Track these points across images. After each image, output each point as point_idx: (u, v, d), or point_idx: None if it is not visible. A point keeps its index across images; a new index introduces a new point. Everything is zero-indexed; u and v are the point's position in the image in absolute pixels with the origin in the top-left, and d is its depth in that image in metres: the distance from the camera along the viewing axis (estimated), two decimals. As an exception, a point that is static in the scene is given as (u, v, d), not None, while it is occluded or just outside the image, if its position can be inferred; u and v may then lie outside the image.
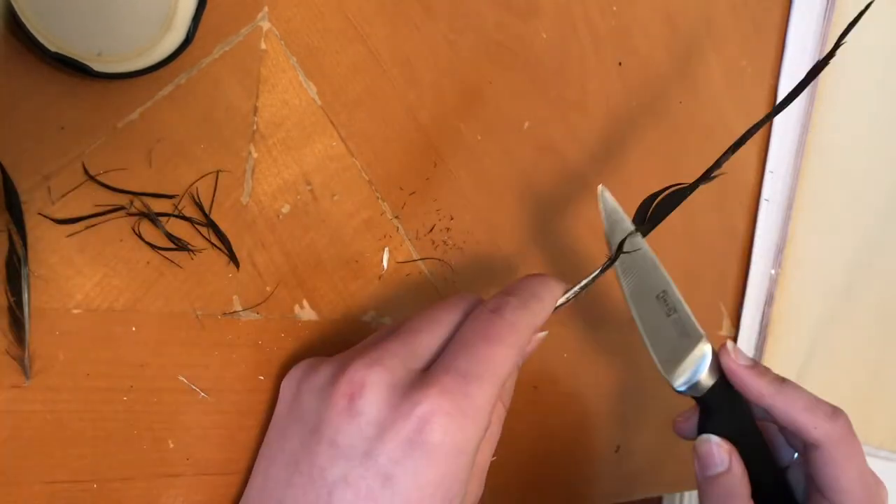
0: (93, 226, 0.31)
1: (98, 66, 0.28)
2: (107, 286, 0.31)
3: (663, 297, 0.38)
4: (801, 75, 0.44)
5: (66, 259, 0.30)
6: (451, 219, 0.42)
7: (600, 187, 0.38)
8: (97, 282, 0.31)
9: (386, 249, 0.39)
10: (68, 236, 0.30)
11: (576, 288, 0.36)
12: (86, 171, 0.30)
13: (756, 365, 0.38)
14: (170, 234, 0.32)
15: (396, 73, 0.39)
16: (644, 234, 0.38)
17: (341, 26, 0.37)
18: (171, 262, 0.33)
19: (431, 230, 0.41)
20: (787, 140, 0.62)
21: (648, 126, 0.52)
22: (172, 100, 0.32)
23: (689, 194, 0.38)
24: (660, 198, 0.38)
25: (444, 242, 0.42)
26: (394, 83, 0.39)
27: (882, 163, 0.67)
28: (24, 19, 0.27)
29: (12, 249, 0.29)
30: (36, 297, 0.29)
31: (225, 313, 0.34)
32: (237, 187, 0.34)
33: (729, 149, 0.38)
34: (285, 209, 0.36)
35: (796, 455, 0.41)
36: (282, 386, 0.34)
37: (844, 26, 0.38)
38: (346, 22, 0.37)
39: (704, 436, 0.39)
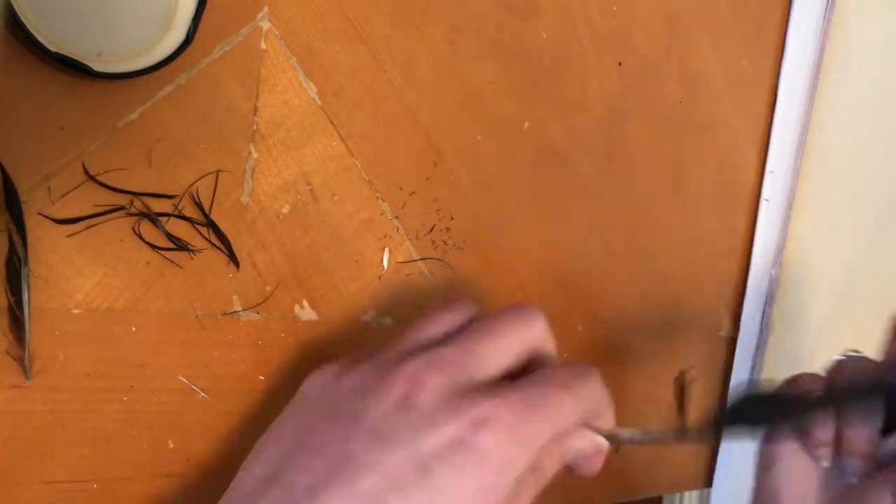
0: (93, 226, 0.31)
1: (98, 66, 0.28)
2: (107, 286, 0.31)
3: None
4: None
5: (66, 259, 0.30)
6: (451, 219, 0.42)
7: None
8: (97, 282, 0.31)
9: (386, 249, 0.39)
10: (68, 236, 0.30)
11: (636, 435, 0.34)
12: (86, 171, 0.30)
13: None
14: (170, 234, 0.32)
15: (396, 73, 0.39)
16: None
17: (341, 26, 0.37)
18: (171, 262, 0.33)
19: (431, 230, 0.41)
20: (787, 140, 0.62)
21: (648, 126, 0.52)
22: (172, 100, 0.32)
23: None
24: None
25: (444, 242, 0.42)
26: (394, 83, 0.39)
27: (882, 163, 0.67)
28: (24, 19, 0.27)
29: (12, 249, 0.29)
30: (36, 297, 0.29)
31: (225, 313, 0.34)
32: (237, 187, 0.34)
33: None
34: (285, 209, 0.36)
35: None
36: (305, 386, 0.32)
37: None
38: (346, 22, 0.37)
39: None
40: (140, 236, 0.32)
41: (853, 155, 0.66)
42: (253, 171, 0.35)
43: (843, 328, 0.67)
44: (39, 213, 0.29)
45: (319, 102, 0.36)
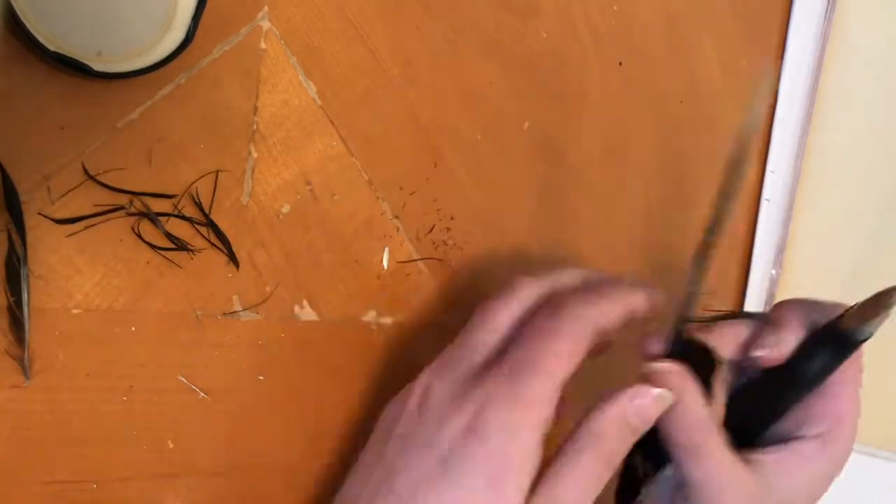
0: (92, 226, 0.31)
1: (98, 66, 0.28)
2: (107, 286, 0.31)
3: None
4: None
5: (66, 259, 0.30)
6: (452, 219, 0.42)
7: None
8: (97, 282, 0.31)
9: (386, 249, 0.39)
10: (68, 236, 0.30)
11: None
12: (86, 171, 0.30)
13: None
14: (170, 234, 0.32)
15: (396, 73, 0.39)
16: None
17: (341, 26, 0.37)
18: (171, 262, 0.33)
19: (431, 230, 0.41)
20: (787, 140, 0.62)
21: (649, 126, 0.52)
22: (172, 100, 0.32)
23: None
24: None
25: (445, 242, 0.42)
26: (394, 83, 0.39)
27: (883, 163, 0.67)
28: (24, 19, 0.27)
29: (12, 249, 0.29)
30: (36, 297, 0.29)
31: (225, 313, 0.34)
32: (237, 187, 0.34)
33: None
34: (285, 209, 0.36)
35: None
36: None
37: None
38: (346, 22, 0.37)
39: None
40: (140, 236, 0.32)
41: (853, 155, 0.66)
42: (253, 171, 0.35)
43: (844, 328, 0.66)
44: (39, 213, 0.29)
45: (319, 102, 0.36)
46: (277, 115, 0.35)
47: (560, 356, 0.31)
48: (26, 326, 0.29)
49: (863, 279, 0.67)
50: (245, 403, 0.35)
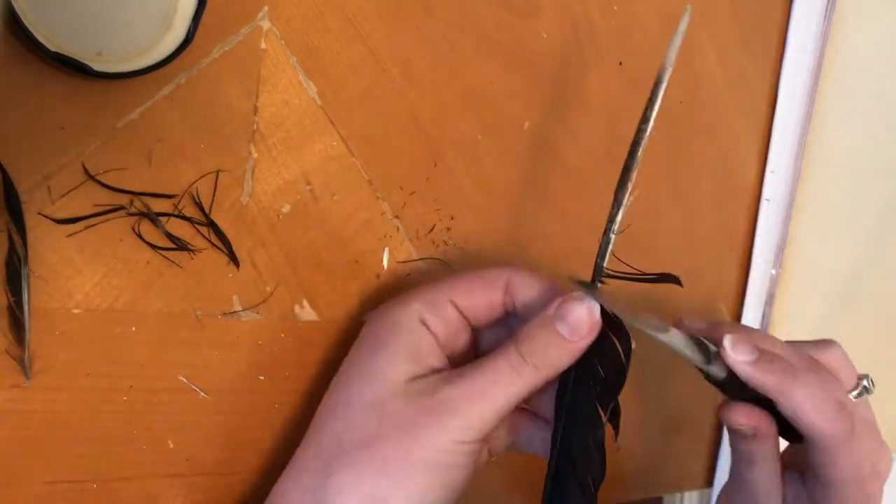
0: (93, 226, 0.31)
1: (98, 66, 0.28)
2: (107, 286, 0.31)
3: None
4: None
5: (66, 259, 0.30)
6: (452, 219, 0.42)
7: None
8: (97, 282, 0.31)
9: (386, 249, 0.39)
10: (68, 236, 0.30)
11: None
12: (86, 171, 0.30)
13: (761, 357, 0.37)
14: (170, 234, 0.32)
15: (396, 73, 0.39)
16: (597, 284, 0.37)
17: (341, 26, 0.37)
18: (171, 262, 0.33)
19: (432, 230, 0.41)
20: (787, 140, 0.62)
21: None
22: (172, 100, 0.32)
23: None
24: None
25: (445, 242, 0.42)
26: (394, 83, 0.39)
27: (883, 163, 0.67)
28: (24, 19, 0.27)
29: (12, 249, 0.29)
30: (36, 297, 0.29)
31: (225, 313, 0.34)
32: (237, 187, 0.34)
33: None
34: (285, 209, 0.36)
35: None
36: None
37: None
38: (347, 22, 0.37)
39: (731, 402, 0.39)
40: (140, 236, 0.32)
41: (853, 155, 0.66)
42: (253, 170, 0.35)
43: (844, 328, 0.67)
44: (39, 213, 0.29)
45: (319, 102, 0.36)
46: (277, 115, 0.35)
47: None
48: (26, 326, 0.29)
49: (863, 279, 0.68)
50: (245, 403, 0.35)
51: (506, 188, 0.44)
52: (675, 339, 0.36)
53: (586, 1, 0.47)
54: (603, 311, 0.34)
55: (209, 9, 0.31)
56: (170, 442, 0.33)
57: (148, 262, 0.32)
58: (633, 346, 0.34)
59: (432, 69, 0.40)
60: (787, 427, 0.39)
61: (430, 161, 0.41)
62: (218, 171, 0.34)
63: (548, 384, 0.34)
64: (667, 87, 0.35)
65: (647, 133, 0.35)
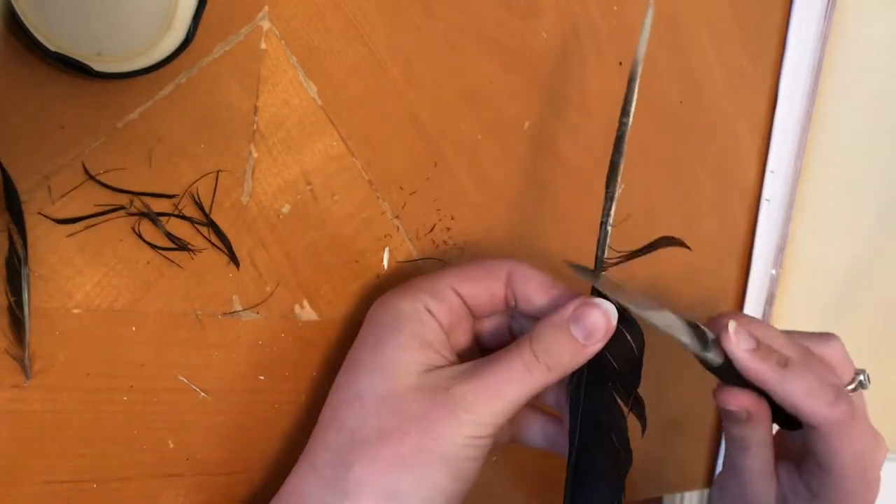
0: (93, 226, 0.31)
1: (98, 66, 0.28)
2: (107, 286, 0.31)
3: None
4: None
5: (66, 259, 0.30)
6: (452, 219, 0.42)
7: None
8: (97, 282, 0.31)
9: (386, 249, 0.39)
10: (68, 236, 0.30)
11: None
12: (86, 171, 0.30)
13: (759, 347, 0.37)
14: (170, 234, 0.32)
15: (396, 73, 0.39)
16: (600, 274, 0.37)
17: (341, 26, 0.37)
18: (171, 261, 0.33)
19: (432, 230, 0.41)
20: (787, 140, 0.62)
21: (649, 126, 0.52)
22: (172, 100, 0.32)
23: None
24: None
25: (445, 242, 0.42)
26: (394, 83, 0.39)
27: (883, 163, 0.67)
28: (24, 19, 0.27)
29: (12, 249, 0.29)
30: (36, 297, 0.29)
31: (225, 313, 0.34)
32: (237, 187, 0.34)
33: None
34: (285, 209, 0.36)
35: None
36: None
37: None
38: (347, 22, 0.37)
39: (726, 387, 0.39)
40: (140, 236, 0.32)
41: (853, 155, 0.66)
42: (253, 170, 0.35)
43: (844, 328, 0.67)
44: (39, 213, 0.29)
45: (320, 102, 0.36)
46: (277, 115, 0.35)
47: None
48: (26, 326, 0.29)
49: (863, 279, 0.68)
50: (245, 403, 0.35)
51: (506, 188, 0.44)
52: (673, 323, 0.36)
53: (586, 1, 0.47)
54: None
55: (209, 9, 0.31)
56: (170, 442, 0.33)
57: (148, 262, 0.32)
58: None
59: (432, 69, 0.40)
60: (781, 414, 0.39)
61: (430, 161, 0.41)
62: (218, 171, 0.34)
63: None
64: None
65: (628, 126, 0.36)
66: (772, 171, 0.62)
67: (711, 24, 0.56)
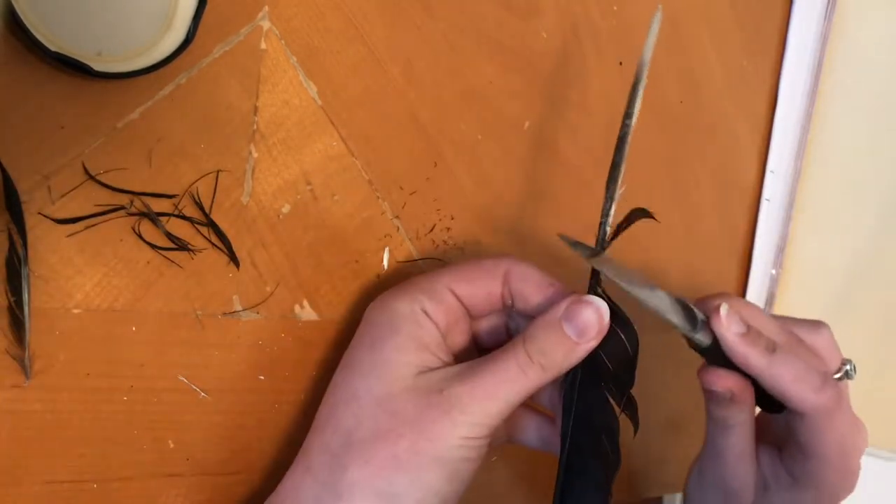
0: (93, 226, 0.31)
1: (98, 66, 0.28)
2: (107, 286, 0.31)
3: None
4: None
5: (66, 259, 0.30)
6: (452, 218, 0.42)
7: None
8: (97, 282, 0.31)
9: (386, 249, 0.39)
10: (68, 236, 0.30)
11: None
12: (86, 171, 0.30)
13: (749, 332, 0.37)
14: (170, 234, 0.32)
15: (396, 73, 0.39)
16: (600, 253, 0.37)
17: (342, 26, 0.37)
18: (171, 261, 0.33)
19: (432, 230, 0.41)
20: (787, 140, 0.62)
21: (649, 126, 0.52)
22: (172, 100, 0.32)
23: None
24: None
25: (445, 242, 0.42)
26: (394, 83, 0.39)
27: (883, 163, 0.67)
28: (24, 19, 0.27)
29: (12, 249, 0.29)
30: (36, 297, 0.29)
31: (225, 313, 0.34)
32: (237, 187, 0.34)
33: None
34: (285, 209, 0.36)
35: None
36: None
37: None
38: (347, 22, 0.37)
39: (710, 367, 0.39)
40: (140, 236, 0.32)
41: (853, 155, 0.65)
42: (253, 170, 0.35)
43: (843, 328, 0.67)
44: (39, 213, 0.29)
45: (320, 102, 0.36)
46: (277, 115, 0.35)
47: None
48: (26, 326, 0.29)
49: (863, 279, 0.67)
50: (245, 403, 0.35)
51: (506, 188, 0.44)
52: (662, 301, 0.36)
53: (586, 1, 0.47)
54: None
55: (209, 9, 0.31)
56: (170, 442, 0.33)
57: (148, 262, 0.32)
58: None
59: (432, 69, 0.40)
60: (763, 397, 0.39)
61: (430, 161, 0.41)
62: (218, 171, 0.34)
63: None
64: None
65: (631, 128, 0.36)
66: (772, 171, 0.62)
67: (711, 24, 0.56)
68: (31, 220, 0.29)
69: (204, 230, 0.33)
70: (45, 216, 0.30)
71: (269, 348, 0.36)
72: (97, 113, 0.30)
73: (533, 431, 0.39)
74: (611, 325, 0.34)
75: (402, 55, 0.39)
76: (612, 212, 0.36)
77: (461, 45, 0.41)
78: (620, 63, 0.49)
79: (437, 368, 0.33)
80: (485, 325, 0.38)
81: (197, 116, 0.33)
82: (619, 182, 0.36)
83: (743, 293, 0.62)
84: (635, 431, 0.36)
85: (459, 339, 0.37)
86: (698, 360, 0.39)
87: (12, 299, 0.29)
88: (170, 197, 0.32)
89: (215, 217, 0.33)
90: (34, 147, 0.29)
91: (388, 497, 0.31)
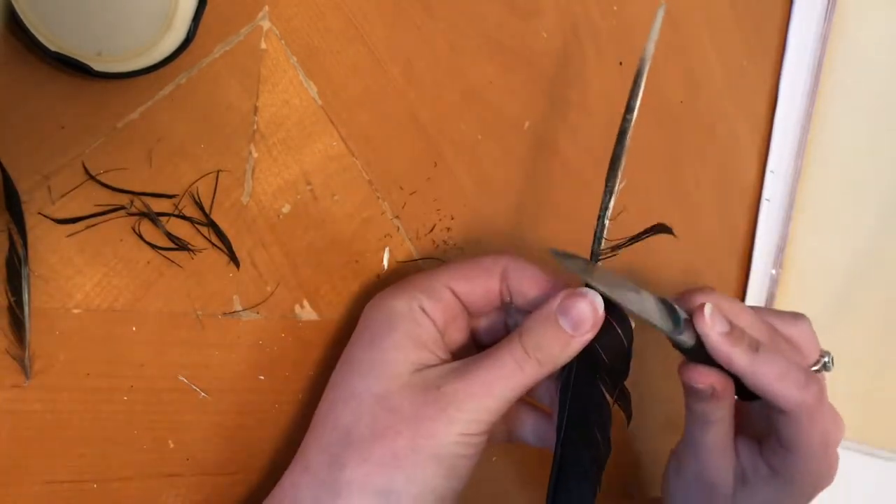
0: (93, 226, 0.31)
1: (98, 66, 0.28)
2: (107, 286, 0.31)
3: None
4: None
5: (66, 259, 0.30)
6: (452, 218, 0.42)
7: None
8: (97, 282, 0.31)
9: (386, 249, 0.39)
10: (68, 236, 0.30)
11: None
12: (86, 171, 0.30)
13: (732, 331, 0.37)
14: (170, 234, 0.32)
15: (396, 73, 0.39)
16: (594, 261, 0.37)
17: (342, 26, 0.37)
18: (172, 261, 0.33)
19: (432, 230, 0.41)
20: (787, 140, 0.62)
21: (649, 126, 0.52)
22: (172, 100, 0.32)
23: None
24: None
25: (445, 242, 0.42)
26: (394, 83, 0.39)
27: (883, 163, 0.67)
28: (24, 19, 0.27)
29: (12, 249, 0.29)
30: (36, 297, 0.29)
31: (225, 313, 0.34)
32: (237, 187, 0.34)
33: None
34: (285, 209, 0.36)
35: None
36: None
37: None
38: (347, 21, 0.37)
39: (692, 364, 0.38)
40: (140, 236, 0.32)
41: (853, 155, 0.66)
42: (253, 170, 0.35)
43: (843, 328, 0.67)
44: (39, 213, 0.29)
45: (320, 102, 0.36)
46: (278, 115, 0.35)
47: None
48: (26, 326, 0.29)
49: (863, 279, 0.67)
50: (245, 403, 0.35)
51: (506, 188, 0.44)
52: (648, 302, 0.36)
53: (586, 1, 0.47)
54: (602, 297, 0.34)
55: (209, 9, 0.31)
56: (170, 442, 0.33)
57: (148, 262, 0.32)
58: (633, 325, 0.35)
59: (432, 69, 0.40)
60: (740, 386, 0.39)
61: (430, 161, 0.41)
62: (218, 171, 0.34)
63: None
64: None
65: (632, 123, 0.36)
66: (772, 171, 0.62)
67: (711, 24, 0.56)
68: (31, 220, 0.29)
69: (204, 230, 0.33)
70: (45, 216, 0.30)
71: (269, 348, 0.36)
72: (97, 113, 0.30)
73: (532, 428, 0.39)
74: (606, 317, 0.34)
75: (402, 55, 0.39)
76: (611, 206, 0.36)
77: (461, 45, 0.41)
78: (620, 63, 0.49)
79: (435, 366, 0.33)
80: (484, 322, 0.38)
81: (197, 116, 0.33)
82: (619, 176, 0.36)
83: (743, 293, 0.62)
84: (628, 422, 0.36)
85: (458, 336, 0.37)
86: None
87: (12, 299, 0.29)
88: (170, 197, 0.32)
89: (215, 217, 0.33)
90: (34, 147, 0.29)
91: (386, 494, 0.31)
